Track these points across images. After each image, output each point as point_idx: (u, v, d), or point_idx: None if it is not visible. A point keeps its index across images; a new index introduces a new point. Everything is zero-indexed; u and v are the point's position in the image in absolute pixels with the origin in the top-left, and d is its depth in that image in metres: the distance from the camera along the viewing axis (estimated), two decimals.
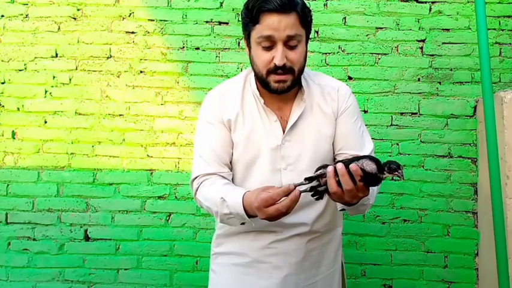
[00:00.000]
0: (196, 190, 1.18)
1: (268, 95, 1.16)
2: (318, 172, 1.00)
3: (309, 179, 1.00)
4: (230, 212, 1.07)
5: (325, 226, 1.22)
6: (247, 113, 1.17)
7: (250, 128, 1.16)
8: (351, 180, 0.93)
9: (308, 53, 1.89)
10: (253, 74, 1.18)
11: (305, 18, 1.09)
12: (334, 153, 1.21)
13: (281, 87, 1.10)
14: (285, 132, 1.16)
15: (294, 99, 1.18)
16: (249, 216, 1.04)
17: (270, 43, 1.06)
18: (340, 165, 0.94)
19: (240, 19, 1.74)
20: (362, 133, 1.21)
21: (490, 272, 1.72)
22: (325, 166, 0.99)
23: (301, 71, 1.13)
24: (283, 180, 1.15)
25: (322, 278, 1.23)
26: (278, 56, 1.05)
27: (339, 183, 0.94)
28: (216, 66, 1.94)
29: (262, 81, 1.12)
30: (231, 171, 1.20)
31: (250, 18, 1.08)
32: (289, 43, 1.06)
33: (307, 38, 1.13)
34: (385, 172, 0.93)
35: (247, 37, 1.12)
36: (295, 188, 0.97)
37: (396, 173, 0.92)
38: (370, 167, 0.93)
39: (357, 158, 0.96)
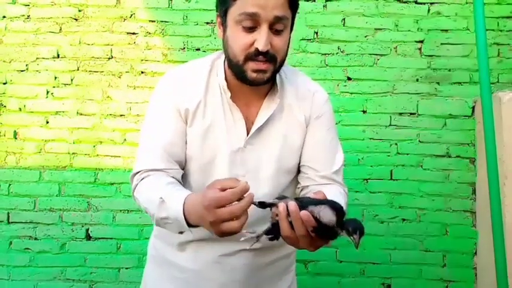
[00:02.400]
0: (135, 187, 0.96)
1: (236, 88, 0.98)
2: (272, 201, 0.82)
3: (261, 204, 0.82)
4: (168, 216, 0.85)
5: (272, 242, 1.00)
6: (209, 105, 0.98)
7: (210, 124, 0.98)
8: (305, 226, 0.75)
9: (308, 54, 1.95)
10: (221, 60, 1.01)
11: (294, 0, 0.92)
12: (299, 164, 1.05)
13: (260, 78, 0.91)
14: (249, 134, 0.99)
15: (265, 97, 1.01)
16: (189, 225, 0.82)
17: (252, 23, 0.87)
18: (293, 206, 0.75)
19: None
20: (333, 146, 1.07)
21: (488, 271, 1.73)
22: (283, 198, 0.82)
23: (283, 62, 0.95)
24: None
25: None
26: (262, 40, 0.87)
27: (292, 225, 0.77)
28: None
29: (236, 70, 0.93)
30: (182, 169, 1.00)
31: None
32: (275, 26, 0.88)
33: (292, 26, 0.96)
34: (343, 230, 0.76)
35: (224, 14, 0.92)
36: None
37: (351, 238, 0.74)
38: (328, 217, 0.75)
39: (316, 202, 0.78)
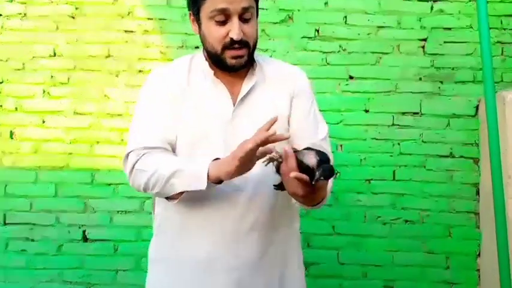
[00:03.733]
0: (136, 161, 1.02)
1: (218, 72, 1.08)
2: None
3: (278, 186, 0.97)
4: (184, 168, 0.96)
5: (276, 218, 1.09)
6: (194, 86, 1.09)
7: (199, 103, 1.07)
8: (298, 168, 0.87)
9: (309, 52, 1.92)
10: (199, 54, 1.13)
11: None
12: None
13: (238, 62, 1.04)
14: (235, 105, 1.07)
15: (245, 75, 1.10)
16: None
17: (224, 17, 1.00)
18: (287, 147, 0.90)
19: None
20: (316, 116, 1.16)
21: (492, 273, 1.71)
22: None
23: (255, 45, 1.07)
24: None
25: (282, 279, 1.12)
26: (235, 30, 1.00)
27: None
28: None
29: (216, 59, 1.05)
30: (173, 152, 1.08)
31: None
32: (243, 16, 1.01)
33: (257, 12, 1.08)
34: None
35: (196, 12, 1.04)
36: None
37: (318, 173, 0.85)
38: (309, 160, 0.87)
39: (305, 149, 0.92)
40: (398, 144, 1.91)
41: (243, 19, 1.02)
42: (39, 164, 1.91)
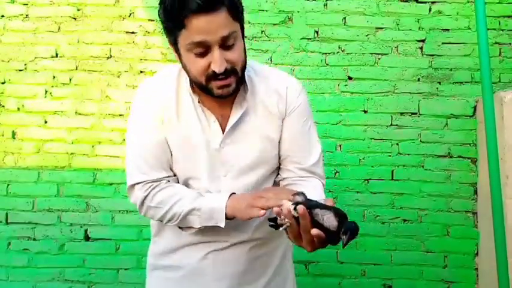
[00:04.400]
0: (145, 198, 1.01)
1: (205, 95, 1.00)
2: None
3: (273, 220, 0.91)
4: (200, 207, 0.97)
5: (268, 233, 1.08)
6: (183, 111, 1.01)
7: (187, 129, 1.01)
8: (311, 225, 0.80)
9: (308, 53, 1.93)
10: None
11: (236, 10, 0.91)
12: (279, 160, 1.09)
13: (226, 92, 0.94)
14: (224, 133, 1.02)
15: (236, 96, 1.02)
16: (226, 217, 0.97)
17: (203, 48, 0.89)
18: (302, 210, 0.80)
19: None
20: (310, 137, 1.09)
21: (489, 272, 1.72)
22: (299, 193, 0.88)
23: (244, 68, 0.97)
24: (222, 188, 1.03)
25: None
26: (217, 62, 0.89)
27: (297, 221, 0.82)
28: None
29: (202, 88, 0.95)
30: (175, 175, 1.05)
31: (172, 22, 0.89)
32: (225, 43, 0.89)
33: (243, 30, 0.96)
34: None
35: (174, 42, 0.94)
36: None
37: (342, 237, 0.80)
38: (330, 222, 0.81)
39: (322, 206, 0.83)
40: (397, 144, 1.92)
41: (226, 46, 0.90)
42: (41, 164, 1.92)
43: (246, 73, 1.00)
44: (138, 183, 1.02)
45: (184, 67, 0.96)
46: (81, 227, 1.92)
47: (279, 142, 1.07)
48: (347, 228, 0.80)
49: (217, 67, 0.89)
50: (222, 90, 0.94)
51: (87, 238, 1.92)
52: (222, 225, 0.97)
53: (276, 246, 1.14)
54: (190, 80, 0.98)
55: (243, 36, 0.97)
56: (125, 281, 1.91)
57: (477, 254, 1.89)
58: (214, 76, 0.91)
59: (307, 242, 0.83)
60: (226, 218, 0.97)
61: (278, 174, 1.12)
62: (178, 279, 1.09)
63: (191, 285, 1.08)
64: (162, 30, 0.96)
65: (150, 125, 1.02)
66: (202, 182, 1.03)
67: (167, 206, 1.00)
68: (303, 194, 0.88)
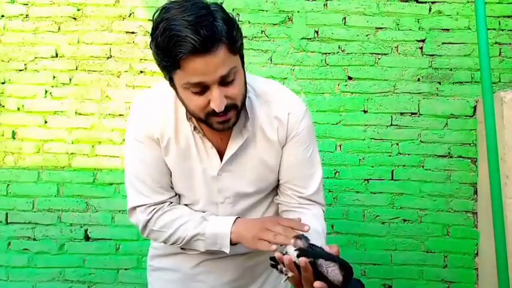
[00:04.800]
0: (148, 221, 0.99)
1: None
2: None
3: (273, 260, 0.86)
4: (204, 232, 0.97)
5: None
6: (181, 136, 0.97)
7: (184, 154, 0.98)
8: (314, 277, 0.78)
9: (308, 53, 1.94)
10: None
11: (235, 43, 0.83)
12: (278, 182, 1.06)
13: (226, 126, 0.89)
14: (222, 163, 0.99)
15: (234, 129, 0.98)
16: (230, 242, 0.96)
17: (201, 88, 0.83)
18: (303, 263, 0.77)
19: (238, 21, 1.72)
20: (311, 164, 1.03)
21: (489, 271, 1.72)
22: (300, 237, 0.84)
23: (244, 99, 0.91)
24: (220, 213, 1.02)
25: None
26: (217, 102, 0.82)
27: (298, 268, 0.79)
28: None
29: (201, 121, 0.90)
30: (176, 194, 1.04)
31: (167, 61, 0.81)
32: (225, 80, 0.83)
33: (243, 59, 0.90)
34: None
35: (169, 79, 0.87)
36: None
37: None
38: (335, 276, 0.77)
39: (327, 257, 0.79)
40: (397, 144, 1.92)
41: (225, 83, 0.84)
42: (41, 164, 1.92)
43: (248, 95, 0.95)
44: (140, 206, 0.99)
45: (182, 101, 0.90)
46: (81, 227, 1.92)
47: (278, 168, 1.03)
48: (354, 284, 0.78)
49: (217, 106, 0.83)
50: (223, 125, 0.89)
51: (87, 238, 1.92)
52: (227, 251, 0.97)
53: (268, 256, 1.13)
54: (187, 111, 0.93)
55: (243, 65, 0.91)
56: (125, 281, 1.91)
57: (477, 254, 1.89)
58: (214, 113, 0.85)
59: None
60: (231, 243, 0.96)
61: (276, 194, 1.09)
62: (176, 281, 1.11)
63: None
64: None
65: (148, 146, 0.97)
66: (200, 207, 1.03)
67: (171, 230, 0.99)
68: (305, 237, 0.84)
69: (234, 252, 1.02)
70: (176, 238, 0.99)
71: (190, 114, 0.93)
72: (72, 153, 1.92)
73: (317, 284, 0.75)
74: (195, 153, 0.98)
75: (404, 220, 1.91)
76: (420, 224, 1.90)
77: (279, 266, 0.83)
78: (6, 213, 1.91)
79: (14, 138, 1.92)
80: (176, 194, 1.04)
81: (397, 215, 1.91)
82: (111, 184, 1.92)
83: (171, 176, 1.01)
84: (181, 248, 1.05)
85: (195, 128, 0.96)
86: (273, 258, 0.85)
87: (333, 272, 0.77)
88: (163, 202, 1.00)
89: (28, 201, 1.91)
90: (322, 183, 1.07)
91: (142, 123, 0.97)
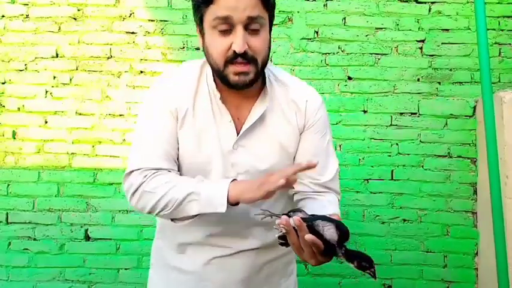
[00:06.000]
0: (142, 183, 0.94)
1: (226, 92, 0.98)
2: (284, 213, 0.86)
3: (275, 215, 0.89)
4: (200, 191, 0.90)
5: (269, 242, 1.05)
6: (199, 109, 0.98)
7: (201, 127, 0.98)
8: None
9: (308, 53, 1.94)
10: (209, 65, 1.00)
11: (267, 0, 0.91)
12: None
13: (242, 80, 0.91)
14: (239, 135, 0.99)
15: (256, 99, 1.00)
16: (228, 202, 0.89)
17: (227, 26, 0.88)
18: (297, 221, 0.79)
19: None
20: (328, 152, 1.05)
21: (489, 271, 1.72)
22: (296, 211, 0.87)
23: (265, 62, 0.95)
24: None
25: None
26: (238, 41, 0.87)
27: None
28: None
29: (219, 75, 0.93)
30: (177, 170, 1.00)
31: None
32: (250, 26, 0.88)
33: (271, 24, 0.95)
34: (353, 261, 0.81)
35: (200, 22, 0.93)
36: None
37: (368, 271, 0.80)
38: (331, 235, 0.80)
39: (324, 218, 0.83)
40: (397, 144, 1.92)
41: (250, 30, 0.89)
42: (41, 164, 1.92)
43: (266, 75, 0.99)
44: (137, 170, 0.96)
45: (206, 51, 0.94)
46: (81, 227, 1.92)
47: (294, 156, 1.03)
48: (369, 262, 0.80)
49: (238, 46, 0.87)
50: (239, 77, 0.91)
51: (87, 238, 1.92)
52: (223, 209, 0.89)
53: (282, 253, 1.10)
54: (211, 67, 0.96)
55: (271, 30, 0.95)
56: (125, 281, 1.91)
57: (477, 253, 1.89)
58: (233, 58, 0.89)
59: (308, 254, 0.82)
60: (230, 204, 0.90)
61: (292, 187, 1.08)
62: (182, 282, 1.06)
63: None
64: (192, 11, 0.96)
65: (161, 115, 0.98)
66: (214, 178, 0.98)
67: (163, 191, 0.92)
68: (304, 211, 0.87)
69: (242, 248, 1.02)
70: (168, 200, 0.92)
71: (212, 70, 0.95)
72: (72, 153, 1.92)
73: (308, 236, 0.77)
74: (212, 127, 0.98)
75: (404, 220, 1.92)
76: (420, 224, 1.91)
77: (277, 228, 0.85)
78: (7, 213, 1.92)
79: (15, 138, 1.93)
80: (178, 170, 1.00)
81: (396, 215, 1.92)
82: (112, 184, 1.92)
83: (178, 152, 0.99)
84: (171, 220, 0.99)
85: (220, 97, 0.97)
86: (281, 237, 0.87)
87: (328, 231, 0.80)
88: (162, 169, 0.96)
89: (28, 201, 1.92)
90: (339, 173, 1.08)
91: (161, 94, 0.99)
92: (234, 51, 0.88)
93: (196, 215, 0.94)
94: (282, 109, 1.01)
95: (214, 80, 0.98)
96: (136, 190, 0.95)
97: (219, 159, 0.98)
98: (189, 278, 1.05)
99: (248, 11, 0.87)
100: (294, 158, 1.04)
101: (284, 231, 0.82)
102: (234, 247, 1.04)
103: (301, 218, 0.80)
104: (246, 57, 0.89)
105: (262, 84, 1.01)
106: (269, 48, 0.95)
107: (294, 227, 0.80)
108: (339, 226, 0.81)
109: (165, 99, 0.98)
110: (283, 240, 0.87)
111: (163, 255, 1.10)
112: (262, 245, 1.05)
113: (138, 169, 0.96)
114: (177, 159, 1.00)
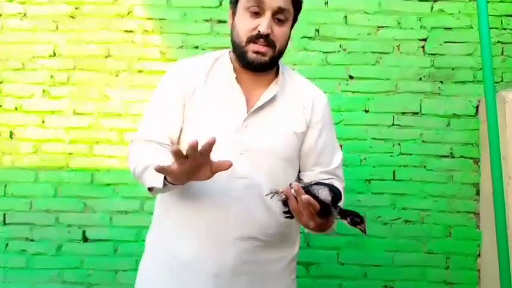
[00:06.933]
0: (131, 150, 1.09)
1: (241, 74, 1.08)
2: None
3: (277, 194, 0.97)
4: (150, 165, 0.93)
5: (269, 236, 1.07)
6: (213, 86, 1.08)
7: (211, 104, 1.06)
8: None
9: (309, 52, 1.92)
10: (227, 54, 1.13)
11: (296, 0, 1.06)
12: (299, 169, 1.15)
13: (258, 59, 1.03)
14: (249, 113, 1.06)
15: (268, 86, 1.10)
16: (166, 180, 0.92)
17: (259, 9, 1.01)
18: (295, 185, 0.89)
19: None
20: (333, 145, 1.17)
21: (492, 273, 1.70)
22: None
23: (282, 52, 1.07)
24: (237, 166, 0.96)
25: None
26: (264, 24, 1.00)
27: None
28: None
29: (239, 51, 1.05)
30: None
31: None
32: (277, 16, 1.02)
33: (293, 22, 1.09)
34: (346, 218, 0.93)
35: (235, 2, 1.06)
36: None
37: (359, 227, 0.92)
38: (325, 196, 0.91)
39: (318, 183, 0.95)
40: (399, 144, 1.90)
41: (276, 19, 1.02)
42: (38, 164, 1.90)
43: (280, 68, 1.12)
44: (136, 139, 1.09)
45: (233, 28, 1.06)
46: (79, 227, 1.90)
47: (300, 149, 1.12)
48: (360, 218, 0.92)
49: (264, 27, 1.00)
50: (256, 55, 1.03)
51: (85, 239, 1.90)
52: (160, 185, 0.92)
53: (275, 259, 1.11)
54: (233, 44, 1.07)
55: (292, 26, 1.09)
56: (124, 282, 1.89)
57: (479, 255, 1.87)
58: (256, 38, 1.01)
59: (307, 216, 0.89)
60: (168, 181, 0.92)
61: (299, 178, 1.15)
62: (172, 269, 1.07)
63: (182, 278, 1.05)
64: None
65: (172, 92, 1.08)
66: (221, 153, 0.96)
67: (134, 162, 1.02)
68: (301, 182, 0.97)
69: (234, 236, 1.04)
70: (136, 170, 1.01)
71: (234, 47, 1.07)
72: (70, 154, 1.90)
73: (304, 196, 0.86)
74: (223, 104, 1.06)
75: (406, 221, 1.90)
76: (422, 225, 1.89)
77: (276, 195, 0.96)
78: (4, 214, 1.90)
79: (12, 138, 1.91)
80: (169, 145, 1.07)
81: (398, 216, 1.90)
82: (109, 184, 1.90)
83: (180, 130, 1.07)
84: (149, 189, 1.01)
85: (236, 77, 1.07)
86: (286, 212, 0.96)
87: (323, 192, 0.91)
88: (152, 141, 1.05)
89: (25, 202, 1.90)
90: (342, 161, 1.19)
91: (177, 72, 1.12)
92: (259, 32, 1.01)
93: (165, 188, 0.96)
94: (290, 99, 1.11)
95: (232, 63, 1.09)
96: (133, 143, 1.09)
97: (226, 134, 1.03)
98: (180, 262, 1.06)
99: (280, 1, 1.01)
100: (305, 152, 1.13)
101: (284, 197, 0.92)
102: (232, 235, 1.04)
103: (299, 185, 0.90)
104: (267, 39, 1.01)
105: (275, 76, 1.12)
106: (287, 41, 1.07)
107: (294, 196, 0.90)
108: (332, 189, 0.92)
109: (179, 77, 1.09)
110: (288, 214, 0.96)
111: (158, 242, 1.13)
112: (261, 235, 1.06)
113: (137, 139, 1.08)
114: (183, 137, 1.06)
